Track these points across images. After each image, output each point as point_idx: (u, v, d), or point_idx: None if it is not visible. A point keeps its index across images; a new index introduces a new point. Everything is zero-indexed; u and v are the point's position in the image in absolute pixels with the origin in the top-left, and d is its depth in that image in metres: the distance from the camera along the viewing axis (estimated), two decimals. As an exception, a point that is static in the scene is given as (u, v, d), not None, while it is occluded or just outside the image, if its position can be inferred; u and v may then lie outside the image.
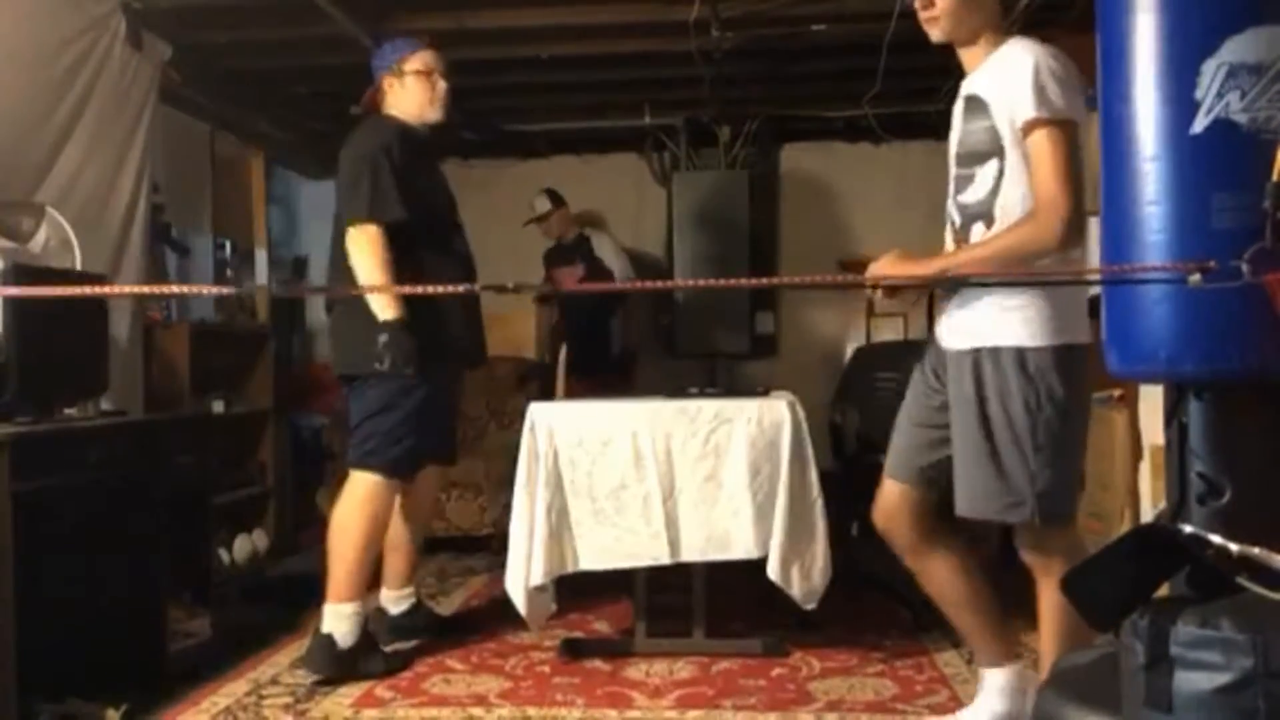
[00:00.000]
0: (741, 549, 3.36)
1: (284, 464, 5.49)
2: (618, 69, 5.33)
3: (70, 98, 3.86)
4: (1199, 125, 1.71)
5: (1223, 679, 1.43)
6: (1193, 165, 1.72)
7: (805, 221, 6.62)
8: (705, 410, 3.44)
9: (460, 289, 3.30)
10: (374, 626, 3.74)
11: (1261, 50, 1.69)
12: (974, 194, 2.41)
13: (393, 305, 3.33)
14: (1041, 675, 2.52)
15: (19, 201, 3.47)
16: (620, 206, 6.64)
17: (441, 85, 3.65)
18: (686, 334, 6.25)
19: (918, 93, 5.41)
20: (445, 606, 4.38)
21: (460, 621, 4.14)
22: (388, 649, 3.62)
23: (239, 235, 5.79)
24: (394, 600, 3.88)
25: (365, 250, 3.36)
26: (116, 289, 3.63)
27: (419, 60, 3.64)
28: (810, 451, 3.42)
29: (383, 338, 3.33)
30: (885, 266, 2.44)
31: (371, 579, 3.81)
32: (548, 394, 4.97)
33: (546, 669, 3.51)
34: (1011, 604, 3.70)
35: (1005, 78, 2.34)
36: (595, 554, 3.42)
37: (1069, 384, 2.33)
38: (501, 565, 3.53)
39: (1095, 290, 2.83)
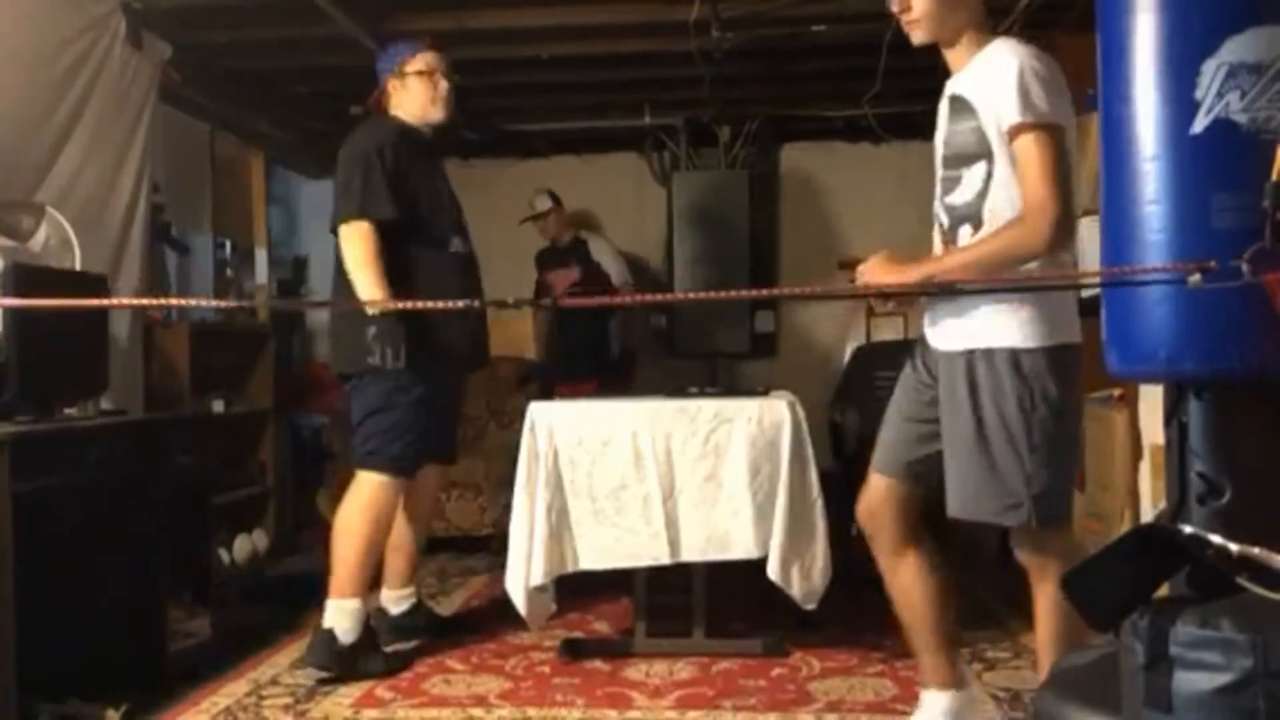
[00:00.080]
0: (741, 549, 3.36)
1: (284, 464, 5.49)
2: (618, 69, 5.33)
3: (70, 98, 3.86)
4: (1199, 125, 1.71)
5: (1223, 679, 1.43)
6: (1193, 165, 1.72)
7: (805, 221, 6.62)
8: (705, 410, 3.45)
9: (460, 304, 3.31)
10: (374, 626, 3.74)
11: (1261, 50, 1.69)
12: (961, 196, 2.40)
13: (381, 294, 3.35)
14: (1040, 676, 2.52)
15: (19, 201, 3.47)
16: (620, 206, 6.63)
17: (443, 85, 3.68)
18: (686, 334, 6.25)
19: (918, 93, 5.40)
20: (445, 606, 4.38)
21: (460, 621, 4.14)
22: (388, 649, 3.62)
23: (239, 235, 5.79)
24: (394, 600, 3.88)
25: (356, 247, 3.41)
26: (117, 301, 3.63)
27: (420, 61, 3.67)
28: (810, 451, 3.42)
29: (371, 330, 3.35)
30: (874, 269, 2.43)
31: (372, 579, 3.81)
32: (547, 394, 4.97)
33: (546, 669, 3.51)
34: (1011, 604, 3.70)
35: (990, 80, 2.32)
36: (595, 554, 3.42)
37: (1063, 385, 2.32)
38: (501, 565, 3.53)
39: (1093, 290, 2.84)
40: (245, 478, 5.15)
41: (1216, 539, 1.55)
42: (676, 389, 3.84)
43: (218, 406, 4.84)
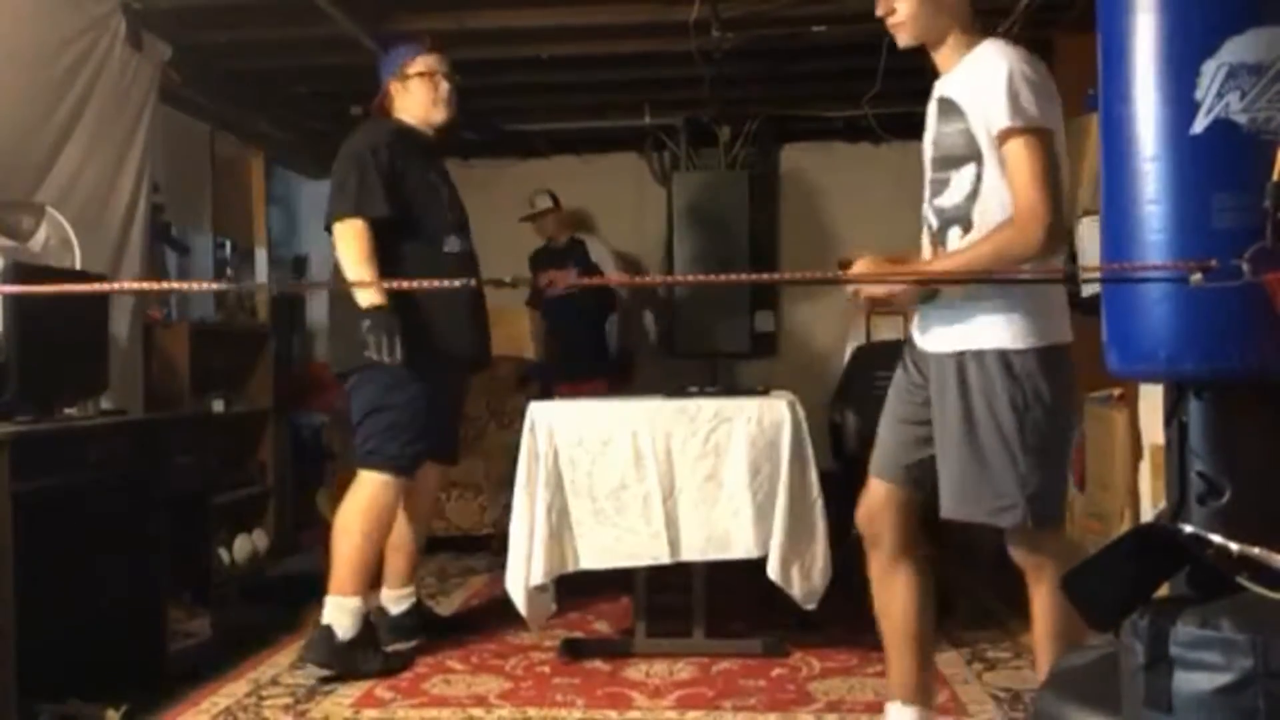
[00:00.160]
0: (741, 549, 3.36)
1: (284, 464, 5.49)
2: (618, 69, 5.33)
3: (70, 98, 3.86)
4: (1199, 125, 1.71)
5: (1223, 679, 1.43)
6: (1193, 165, 1.72)
7: (805, 221, 6.62)
8: (705, 410, 3.45)
9: (455, 283, 3.33)
10: (375, 626, 3.74)
11: (1261, 50, 1.69)
12: (950, 198, 2.39)
13: (377, 294, 3.37)
14: (1039, 676, 2.51)
15: (19, 201, 3.47)
16: (620, 206, 6.64)
17: (444, 86, 3.71)
18: (686, 333, 6.25)
19: (918, 93, 5.35)
20: (445, 606, 4.39)
21: (460, 621, 4.14)
22: (387, 649, 3.62)
23: (239, 235, 5.79)
24: (394, 600, 3.88)
25: (350, 244, 3.44)
26: (116, 285, 3.63)
27: (421, 63, 3.70)
28: (810, 451, 3.43)
29: (366, 323, 3.36)
30: (861, 272, 2.42)
31: (373, 578, 3.81)
32: (547, 394, 4.98)
33: (546, 669, 3.51)
34: (1011, 604, 3.71)
35: (979, 82, 2.31)
36: (595, 554, 3.42)
37: (1055, 385, 2.31)
38: (501, 565, 3.53)
39: (1094, 289, 2.83)
40: (245, 478, 5.15)
41: (1216, 539, 1.55)
42: (676, 389, 3.84)
43: (218, 406, 4.84)
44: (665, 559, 3.40)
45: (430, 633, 3.87)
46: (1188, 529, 1.62)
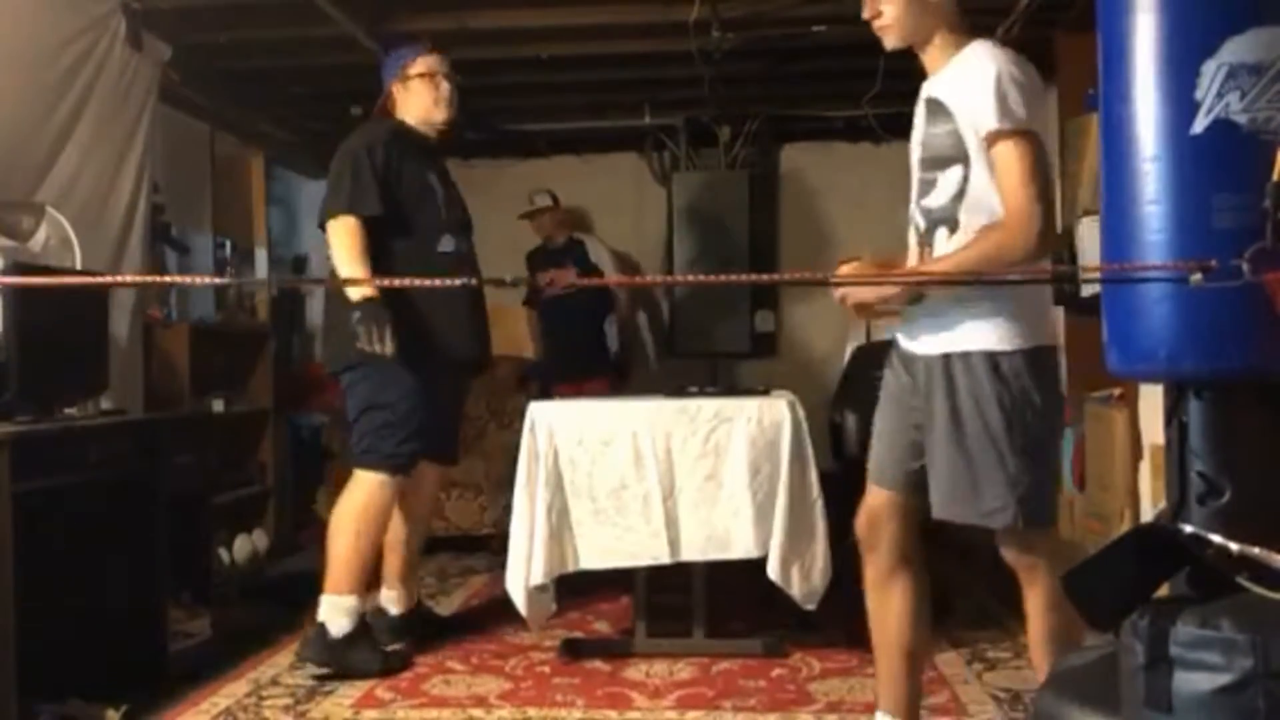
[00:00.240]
0: (741, 549, 3.36)
1: (284, 464, 5.49)
2: (618, 69, 5.33)
3: (70, 98, 3.86)
4: (1199, 125, 1.71)
5: (1223, 679, 1.43)
6: (1193, 165, 1.72)
7: (805, 222, 6.61)
8: (705, 410, 3.45)
9: (455, 283, 3.34)
10: (374, 626, 3.75)
11: (1261, 50, 1.69)
12: (937, 199, 2.39)
13: (367, 287, 3.37)
14: (1036, 677, 2.51)
15: (19, 201, 3.47)
16: (620, 206, 6.63)
17: (445, 86, 3.74)
18: (686, 333, 6.25)
19: (918, 93, 5.41)
20: (445, 606, 4.39)
21: (460, 621, 4.14)
22: (387, 649, 3.62)
23: (239, 235, 5.79)
24: (393, 600, 3.89)
25: (343, 240, 3.46)
26: (116, 278, 3.64)
27: (421, 64, 3.73)
28: (810, 451, 3.43)
29: (356, 315, 3.37)
30: (850, 277, 2.42)
31: (372, 579, 3.82)
32: (546, 394, 4.98)
33: (546, 669, 3.51)
34: (1010, 604, 3.71)
35: (967, 84, 2.31)
36: (595, 553, 3.42)
37: (1042, 386, 2.31)
38: (501, 565, 3.53)
39: (1094, 289, 2.83)
40: (245, 478, 5.15)
41: (1216, 539, 1.55)
42: (676, 389, 3.84)
43: (218, 406, 4.84)
44: (665, 559, 3.40)
45: (430, 633, 3.87)
46: (1188, 529, 1.62)
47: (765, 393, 3.78)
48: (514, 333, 5.88)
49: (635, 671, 3.46)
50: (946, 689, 3.21)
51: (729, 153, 6.39)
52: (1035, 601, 2.38)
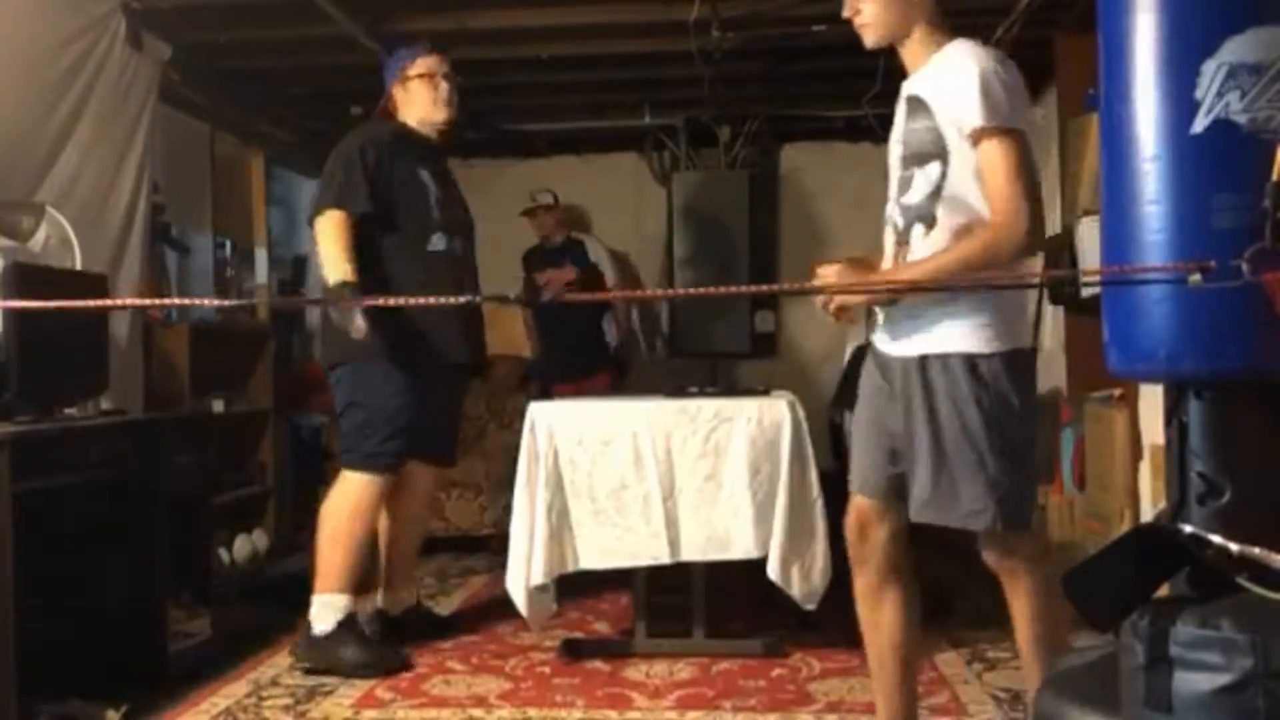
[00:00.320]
0: (741, 549, 3.36)
1: (284, 464, 5.49)
2: (618, 69, 5.33)
3: (70, 98, 3.86)
4: (1199, 125, 1.71)
5: (1223, 679, 1.43)
6: (1193, 165, 1.72)
7: (805, 222, 6.62)
8: (705, 410, 3.45)
9: (461, 299, 3.39)
10: (373, 627, 3.76)
11: (1261, 50, 1.69)
12: (915, 195, 2.37)
13: (345, 271, 3.39)
14: (1027, 681, 2.51)
15: (19, 201, 3.47)
16: (620, 206, 6.63)
17: (444, 87, 3.76)
18: (686, 333, 6.25)
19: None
20: (445, 606, 4.39)
21: (460, 621, 4.13)
22: (386, 650, 3.62)
23: (239, 235, 5.78)
24: (392, 601, 3.90)
25: (329, 235, 3.48)
26: (117, 301, 3.65)
27: (420, 65, 3.76)
28: (810, 451, 3.43)
29: (330, 295, 3.42)
30: (835, 279, 2.40)
31: (371, 580, 3.82)
32: (545, 393, 4.98)
33: (546, 669, 3.51)
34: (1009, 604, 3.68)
35: (949, 81, 2.30)
36: (595, 553, 3.42)
37: (1020, 389, 2.30)
38: (502, 565, 3.53)
39: (1094, 290, 2.83)
40: (245, 478, 5.15)
41: (1216, 539, 1.55)
42: (676, 389, 3.84)
43: (218, 406, 4.84)
44: (665, 559, 3.40)
45: (430, 633, 3.87)
46: (1188, 529, 1.62)
47: (765, 393, 3.78)
48: (513, 333, 5.87)
49: (635, 671, 3.46)
50: (946, 689, 3.21)
51: (729, 153, 6.39)
52: (1019, 603, 2.37)
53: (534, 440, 3.45)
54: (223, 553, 4.66)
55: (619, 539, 3.41)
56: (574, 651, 3.63)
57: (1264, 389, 1.76)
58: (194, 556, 3.80)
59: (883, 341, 2.46)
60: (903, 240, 2.42)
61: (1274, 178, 1.60)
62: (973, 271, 2.27)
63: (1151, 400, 3.44)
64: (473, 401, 5.46)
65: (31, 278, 3.03)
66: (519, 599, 3.40)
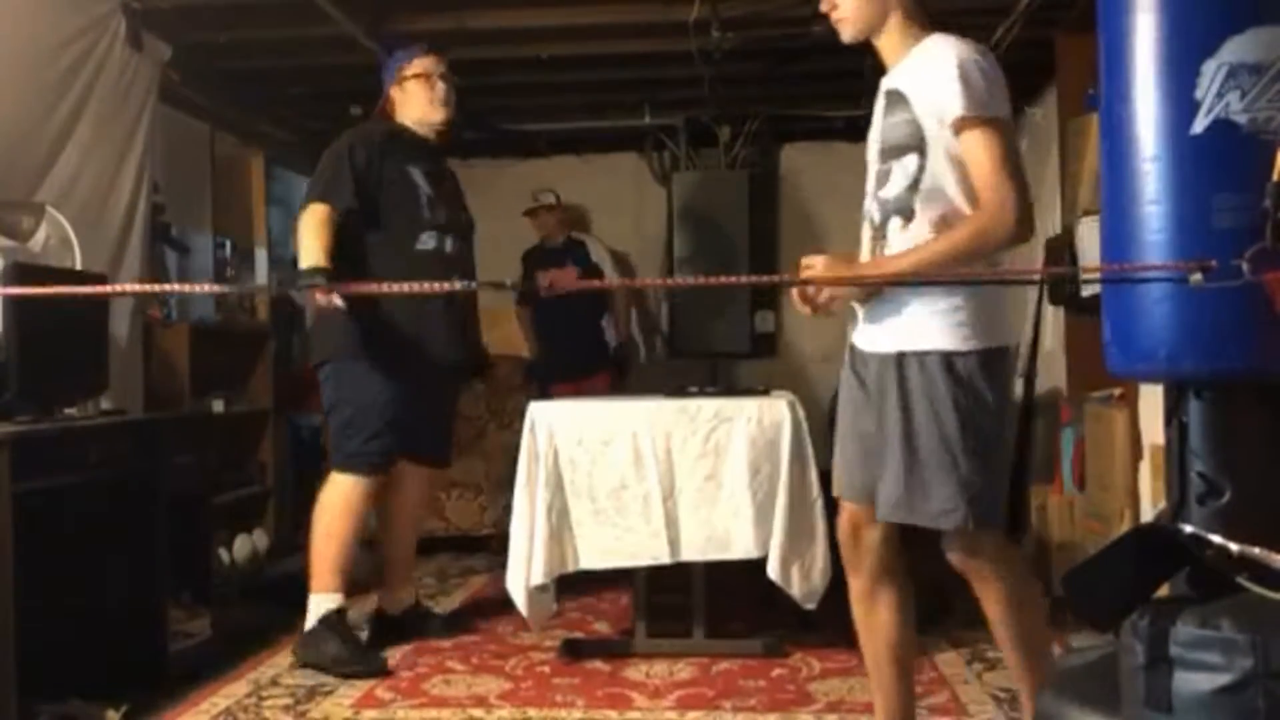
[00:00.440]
0: (741, 549, 3.36)
1: (284, 464, 5.48)
2: (618, 69, 5.33)
3: (70, 98, 3.86)
4: (1199, 125, 1.71)
5: (1223, 679, 1.43)
6: (1193, 165, 1.72)
7: (805, 221, 6.61)
8: (705, 409, 3.45)
9: (457, 286, 3.37)
10: (371, 627, 3.77)
11: (1261, 50, 1.69)
12: (892, 189, 2.35)
13: (318, 258, 3.41)
14: (1014, 680, 2.51)
15: (19, 201, 3.47)
16: (620, 206, 6.63)
17: (441, 87, 3.77)
18: (686, 333, 6.25)
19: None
20: (445, 606, 4.39)
21: (460, 621, 4.12)
22: (370, 652, 3.63)
23: (239, 235, 5.78)
24: (391, 600, 3.90)
25: (308, 225, 3.51)
26: (116, 288, 3.65)
27: (417, 65, 3.78)
28: (810, 451, 3.43)
29: (301, 280, 3.45)
30: (821, 273, 2.37)
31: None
32: (543, 393, 4.98)
33: (546, 669, 3.51)
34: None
35: (927, 73, 2.28)
36: (595, 553, 3.43)
37: (995, 387, 2.28)
38: (502, 565, 3.53)
39: (1094, 289, 2.83)
40: (245, 478, 5.15)
41: (1216, 539, 1.55)
42: (676, 389, 3.84)
43: (218, 406, 4.83)
44: (665, 559, 3.40)
45: (430, 633, 3.88)
46: (1188, 529, 1.62)
47: (765, 393, 3.78)
48: (513, 333, 5.87)
49: (635, 671, 3.46)
50: (946, 689, 3.21)
51: (729, 153, 6.39)
52: (992, 604, 2.36)
53: (534, 440, 3.45)
54: (223, 553, 4.66)
55: (619, 539, 3.41)
56: (574, 651, 3.63)
57: (1264, 389, 1.76)
58: (194, 556, 3.80)
59: (860, 338, 2.45)
60: (879, 235, 2.40)
61: (1274, 178, 1.60)
62: (961, 262, 2.25)
63: (1151, 400, 3.44)
64: (473, 401, 5.47)
65: (31, 278, 3.02)
66: (519, 599, 3.40)
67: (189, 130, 5.24)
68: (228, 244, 5.59)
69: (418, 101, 3.76)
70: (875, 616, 2.47)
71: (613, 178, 6.66)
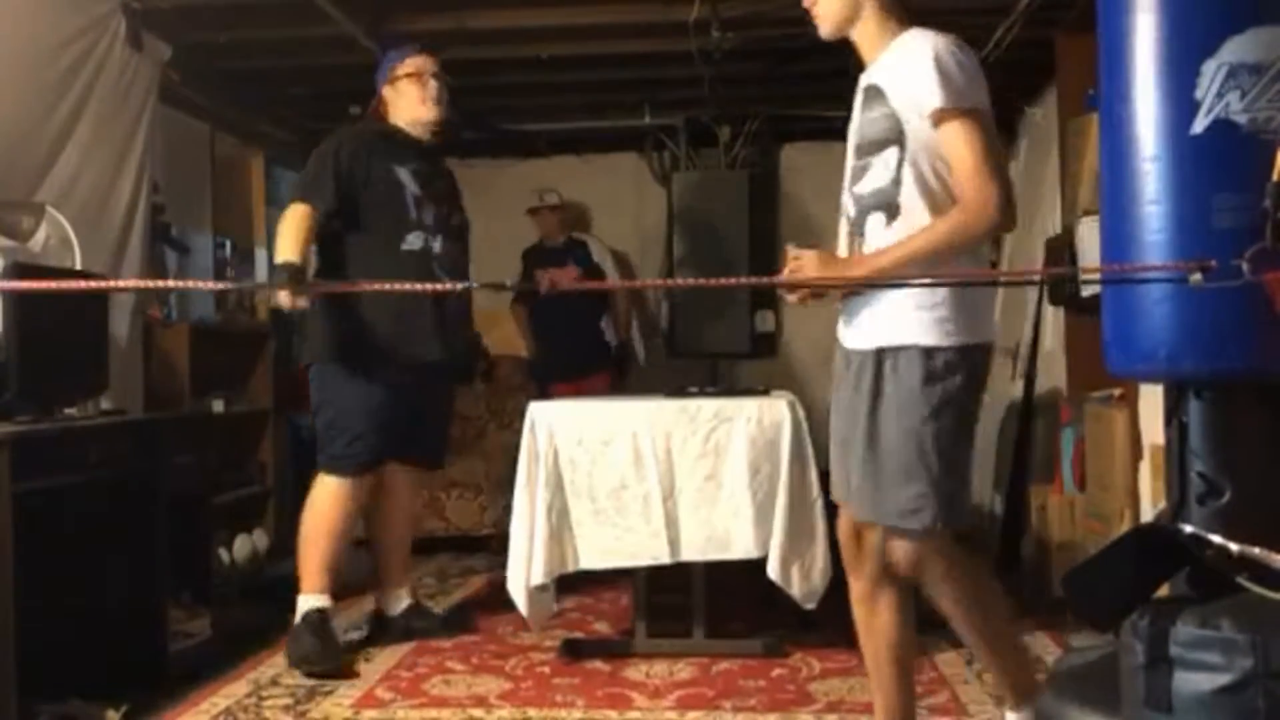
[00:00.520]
0: (741, 549, 3.36)
1: (284, 464, 5.48)
2: (618, 69, 5.33)
3: (70, 98, 3.86)
4: (1199, 125, 1.71)
5: (1223, 679, 1.44)
6: (1193, 165, 1.73)
7: (805, 221, 6.61)
8: (705, 409, 3.45)
9: (458, 286, 3.40)
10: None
11: (1261, 50, 1.69)
12: (871, 184, 2.34)
13: (288, 254, 3.42)
14: (988, 672, 2.50)
15: (19, 201, 3.47)
16: (620, 206, 6.63)
17: (433, 85, 3.77)
18: (686, 333, 6.24)
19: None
20: (445, 606, 4.38)
21: (460, 619, 4.11)
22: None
23: (239, 235, 5.78)
24: (390, 601, 3.90)
25: (285, 222, 3.52)
26: (116, 283, 3.66)
27: (409, 65, 3.78)
28: (810, 451, 3.43)
29: (273, 276, 3.49)
30: (811, 269, 2.36)
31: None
32: (542, 393, 4.98)
33: (546, 669, 3.51)
34: (1012, 606, 3.68)
35: (904, 67, 2.27)
36: (595, 553, 3.43)
37: (970, 386, 2.28)
38: (502, 565, 3.53)
39: (1094, 290, 2.82)
40: (245, 478, 5.15)
41: (1216, 539, 1.55)
42: (676, 389, 3.84)
43: (218, 406, 4.83)
44: (665, 559, 3.40)
45: (429, 633, 3.88)
46: (1188, 529, 1.62)
47: (765, 393, 3.78)
48: (514, 333, 5.87)
49: (635, 671, 3.46)
50: (946, 689, 3.21)
51: (729, 153, 6.38)
52: (947, 603, 2.36)
53: (534, 440, 3.45)
54: (223, 553, 4.66)
55: (619, 539, 3.41)
56: (574, 651, 3.63)
57: (1264, 389, 1.76)
58: (194, 556, 3.81)
59: (844, 334, 2.45)
60: (857, 230, 2.40)
61: (1274, 178, 1.60)
62: (944, 255, 2.24)
63: (1151, 400, 3.44)
64: (473, 401, 5.47)
65: (31, 277, 3.02)
66: (519, 599, 3.40)
67: (189, 130, 5.23)
68: (228, 244, 5.59)
69: (410, 101, 3.75)
70: (876, 618, 2.47)
71: (613, 178, 6.66)
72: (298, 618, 3.55)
